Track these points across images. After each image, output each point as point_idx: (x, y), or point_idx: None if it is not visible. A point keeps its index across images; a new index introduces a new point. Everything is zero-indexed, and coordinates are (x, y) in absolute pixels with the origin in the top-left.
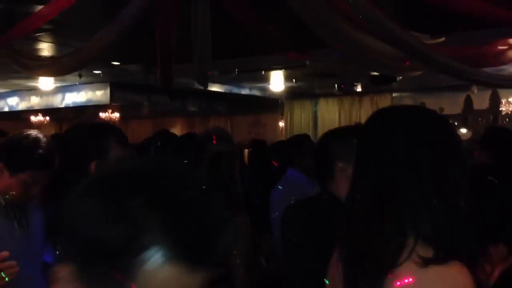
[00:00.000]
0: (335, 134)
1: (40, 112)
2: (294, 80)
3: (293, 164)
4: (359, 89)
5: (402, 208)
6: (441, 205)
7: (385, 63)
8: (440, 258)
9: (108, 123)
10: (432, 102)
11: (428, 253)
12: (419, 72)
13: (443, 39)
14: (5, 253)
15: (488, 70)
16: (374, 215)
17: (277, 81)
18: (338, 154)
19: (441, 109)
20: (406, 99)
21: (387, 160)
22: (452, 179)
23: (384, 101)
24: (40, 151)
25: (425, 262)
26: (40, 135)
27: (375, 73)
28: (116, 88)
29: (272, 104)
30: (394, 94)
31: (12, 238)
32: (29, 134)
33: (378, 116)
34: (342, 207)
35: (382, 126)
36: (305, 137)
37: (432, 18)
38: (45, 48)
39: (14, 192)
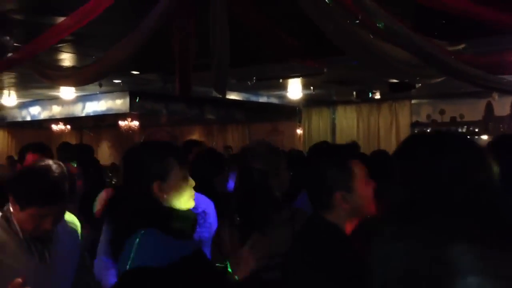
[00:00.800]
0: (331, 161)
1: (61, 121)
2: (312, 87)
3: None
4: (377, 96)
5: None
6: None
7: (404, 70)
8: None
9: (168, 143)
10: (452, 109)
11: None
12: (440, 79)
13: (462, 46)
14: (18, 280)
15: (508, 77)
16: None
17: (294, 89)
18: (338, 185)
19: (461, 115)
20: (425, 106)
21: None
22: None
23: (403, 108)
24: (46, 186)
25: None
26: (52, 167)
27: (394, 80)
28: (135, 97)
29: (289, 111)
30: (413, 101)
31: (30, 271)
32: (39, 167)
33: (424, 143)
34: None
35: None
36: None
37: (451, 25)
38: (66, 59)
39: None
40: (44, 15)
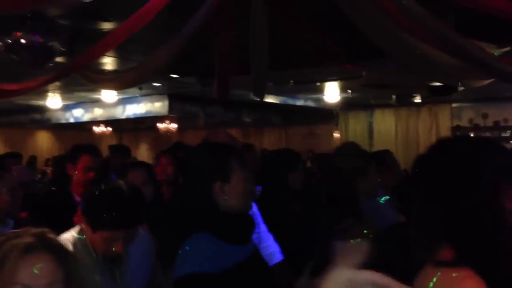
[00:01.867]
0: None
1: (102, 123)
2: (349, 90)
3: None
4: (418, 100)
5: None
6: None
7: (447, 72)
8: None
9: (229, 144)
10: (495, 113)
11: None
12: (485, 82)
13: (508, 48)
14: None
15: None
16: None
17: (332, 92)
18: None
19: (505, 119)
20: (467, 109)
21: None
22: None
23: (443, 112)
24: (119, 211)
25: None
26: (125, 189)
27: (435, 83)
28: (174, 100)
29: (326, 115)
30: (454, 105)
31: None
32: (111, 190)
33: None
34: None
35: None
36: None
37: (498, 27)
38: (109, 63)
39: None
40: (91, 21)
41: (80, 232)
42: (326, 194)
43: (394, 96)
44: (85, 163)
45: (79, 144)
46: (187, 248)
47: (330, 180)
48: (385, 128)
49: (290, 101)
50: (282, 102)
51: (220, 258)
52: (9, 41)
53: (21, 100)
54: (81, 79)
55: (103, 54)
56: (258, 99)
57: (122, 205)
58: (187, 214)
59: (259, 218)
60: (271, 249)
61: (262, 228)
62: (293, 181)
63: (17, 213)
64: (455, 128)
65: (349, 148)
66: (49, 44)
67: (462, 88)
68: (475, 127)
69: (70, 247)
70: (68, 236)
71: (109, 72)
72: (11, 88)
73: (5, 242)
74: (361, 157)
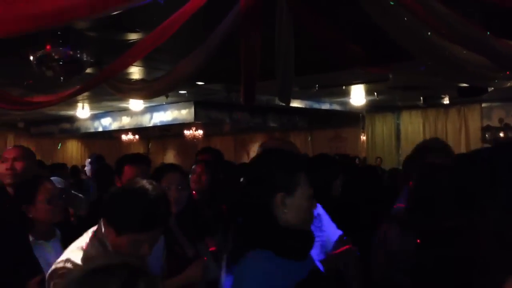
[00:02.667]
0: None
1: (130, 131)
2: (375, 93)
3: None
4: (446, 101)
5: None
6: None
7: (475, 73)
8: None
9: (300, 155)
10: None
11: None
12: None
13: None
14: None
15: None
16: None
17: (358, 95)
18: None
19: None
20: (497, 109)
21: None
22: None
23: (473, 112)
24: (144, 212)
25: None
26: (149, 189)
27: (464, 85)
28: (200, 107)
29: (352, 118)
30: (483, 105)
31: None
32: (135, 190)
33: None
34: None
35: None
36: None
37: None
38: (135, 72)
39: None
40: (118, 32)
41: (99, 238)
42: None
43: (422, 98)
44: (129, 174)
45: (123, 156)
46: (245, 267)
47: (422, 176)
48: (413, 130)
49: (316, 105)
50: (307, 106)
51: (280, 278)
52: (40, 55)
53: (52, 111)
54: (109, 89)
55: (130, 64)
56: (284, 105)
57: (147, 205)
58: (244, 228)
59: (326, 220)
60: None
61: (329, 230)
62: (336, 188)
63: (59, 222)
64: (485, 128)
65: (436, 144)
66: (78, 56)
67: (492, 88)
68: (506, 127)
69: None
70: (83, 244)
71: (137, 81)
72: (42, 100)
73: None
74: (449, 154)
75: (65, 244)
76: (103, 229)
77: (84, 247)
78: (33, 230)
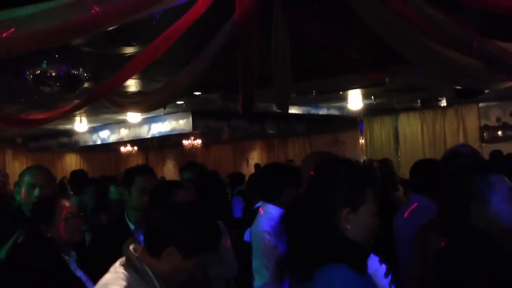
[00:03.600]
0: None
1: (128, 143)
2: (373, 97)
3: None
4: (443, 103)
5: None
6: None
7: (472, 76)
8: None
9: (367, 169)
10: None
11: None
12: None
13: None
14: None
15: None
16: None
17: (355, 100)
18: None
19: None
20: (494, 108)
21: None
22: None
23: (470, 112)
24: (214, 229)
25: None
26: (198, 206)
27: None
28: (198, 116)
29: (350, 122)
30: (480, 104)
31: None
32: (197, 211)
33: None
34: None
35: None
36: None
37: None
38: (132, 84)
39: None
40: (114, 46)
41: (132, 265)
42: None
43: (419, 101)
44: (140, 184)
45: (132, 167)
46: (331, 281)
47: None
48: (411, 132)
49: (314, 111)
50: (305, 112)
51: None
52: (37, 72)
53: (49, 125)
54: (107, 103)
55: (127, 79)
56: (283, 112)
57: (212, 223)
58: (316, 241)
59: None
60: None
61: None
62: None
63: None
64: (483, 128)
65: (464, 149)
66: (75, 73)
67: (488, 90)
68: (504, 126)
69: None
70: (120, 276)
71: (134, 95)
72: (41, 117)
73: None
74: (476, 158)
75: (81, 265)
76: (137, 254)
77: (125, 285)
78: None
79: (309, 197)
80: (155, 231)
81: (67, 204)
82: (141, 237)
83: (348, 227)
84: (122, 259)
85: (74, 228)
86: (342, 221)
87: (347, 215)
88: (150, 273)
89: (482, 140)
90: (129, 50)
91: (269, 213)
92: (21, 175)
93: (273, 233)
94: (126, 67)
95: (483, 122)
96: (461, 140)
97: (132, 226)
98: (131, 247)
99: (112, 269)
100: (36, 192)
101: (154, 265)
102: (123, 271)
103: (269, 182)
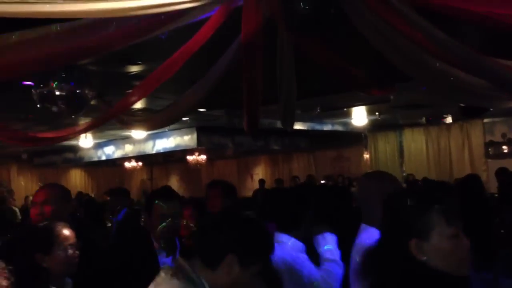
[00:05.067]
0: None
1: (133, 158)
2: (377, 113)
3: None
4: (449, 120)
5: None
6: None
7: (477, 94)
8: None
9: (433, 191)
10: None
11: None
12: None
13: None
14: None
15: None
16: None
17: (359, 116)
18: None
19: None
20: (500, 124)
21: None
22: None
23: (475, 128)
24: (268, 237)
25: None
26: (247, 214)
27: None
28: (202, 132)
29: (355, 137)
30: (485, 120)
31: None
32: (253, 220)
33: None
34: None
35: None
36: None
37: None
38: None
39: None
40: (119, 64)
41: (193, 278)
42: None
43: (424, 118)
44: (159, 210)
45: (153, 191)
46: None
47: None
48: (416, 147)
49: (318, 127)
50: (309, 128)
51: None
52: (44, 91)
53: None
54: (114, 121)
55: (136, 102)
56: (288, 130)
57: (265, 230)
58: (399, 278)
59: None
60: None
61: None
62: None
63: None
64: (488, 144)
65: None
66: (81, 92)
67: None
68: (509, 142)
69: None
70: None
71: (140, 113)
72: (50, 136)
73: None
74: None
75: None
76: (189, 268)
77: None
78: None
79: (382, 233)
80: (211, 241)
81: (67, 233)
82: (163, 258)
83: (424, 258)
84: (168, 270)
85: (72, 260)
86: (416, 254)
87: (417, 246)
88: (206, 285)
89: (487, 156)
90: (135, 68)
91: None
92: None
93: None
94: (135, 91)
95: (488, 138)
96: (466, 156)
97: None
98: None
99: (159, 280)
100: (36, 210)
101: (210, 277)
102: (177, 282)
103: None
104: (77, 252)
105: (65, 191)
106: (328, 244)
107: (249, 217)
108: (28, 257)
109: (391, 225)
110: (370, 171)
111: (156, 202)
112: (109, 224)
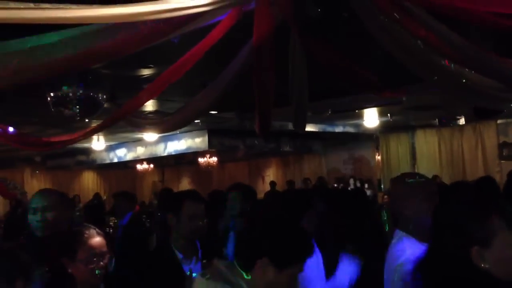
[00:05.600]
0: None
1: (145, 161)
2: (389, 114)
3: None
4: (462, 122)
5: None
6: None
7: (490, 95)
8: None
9: (489, 196)
10: None
11: None
12: None
13: None
14: None
15: None
16: None
17: (371, 117)
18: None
19: None
20: None
21: None
22: None
23: (488, 129)
24: (305, 237)
25: None
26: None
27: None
28: (213, 135)
29: (366, 139)
30: (499, 121)
31: None
32: (288, 221)
33: None
34: None
35: None
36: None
37: None
38: (148, 104)
39: None
40: (131, 68)
41: (232, 280)
42: None
43: (437, 120)
44: (190, 210)
45: (178, 192)
46: None
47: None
48: (428, 149)
49: (329, 129)
50: (321, 130)
51: None
52: (58, 94)
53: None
54: (126, 124)
55: (146, 102)
56: (300, 132)
57: (303, 233)
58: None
59: None
60: None
61: None
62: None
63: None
64: (502, 145)
65: None
66: (95, 96)
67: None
68: None
69: None
70: None
71: (151, 115)
72: (62, 139)
73: None
74: None
75: None
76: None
77: None
78: None
79: (436, 242)
80: (245, 243)
81: (94, 242)
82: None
83: (486, 266)
84: (204, 274)
85: (98, 271)
86: (478, 262)
87: (478, 253)
88: (245, 286)
89: (501, 157)
90: (146, 71)
91: None
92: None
93: None
94: (145, 91)
95: (501, 139)
96: (480, 157)
97: (180, 255)
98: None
99: (197, 284)
100: (37, 217)
101: (245, 279)
102: (214, 283)
103: None
104: (102, 263)
105: (63, 196)
106: (345, 273)
107: (283, 219)
108: (56, 259)
109: (449, 234)
110: (403, 173)
111: (187, 202)
112: (108, 230)
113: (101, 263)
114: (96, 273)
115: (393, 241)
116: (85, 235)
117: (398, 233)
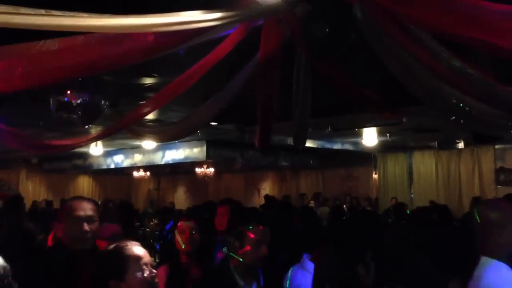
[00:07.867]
0: None
1: (141, 168)
2: (388, 134)
3: None
4: (461, 145)
5: None
6: None
7: (490, 122)
8: None
9: None
10: None
11: None
12: None
13: None
14: None
15: None
16: None
17: (370, 136)
18: None
19: None
20: (510, 151)
21: None
22: None
23: (486, 154)
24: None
25: None
26: None
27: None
28: (212, 146)
29: (364, 157)
30: (497, 146)
31: None
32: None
33: None
34: None
35: None
36: None
37: None
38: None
39: None
40: (134, 76)
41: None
42: None
43: (436, 142)
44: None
45: (235, 219)
46: None
47: None
48: (425, 170)
49: (328, 145)
50: (319, 146)
51: None
52: (60, 100)
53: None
54: (126, 131)
55: (150, 113)
56: (298, 148)
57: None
58: None
59: None
60: None
61: None
62: None
63: None
64: (499, 171)
65: None
66: (97, 102)
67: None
68: None
69: None
70: None
71: (152, 124)
72: (63, 143)
73: None
74: None
75: None
76: None
77: None
78: None
79: None
80: None
81: (139, 252)
82: None
83: None
84: None
85: (151, 280)
86: None
87: None
88: None
89: (497, 182)
90: (149, 80)
91: None
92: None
93: None
94: (150, 102)
95: (499, 164)
96: (476, 181)
97: (241, 282)
98: None
99: None
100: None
101: None
102: None
103: None
104: (154, 271)
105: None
106: None
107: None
108: (103, 286)
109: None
110: (493, 199)
111: (251, 228)
112: None
113: (152, 271)
114: (151, 282)
115: (480, 268)
116: (128, 249)
117: (483, 259)
